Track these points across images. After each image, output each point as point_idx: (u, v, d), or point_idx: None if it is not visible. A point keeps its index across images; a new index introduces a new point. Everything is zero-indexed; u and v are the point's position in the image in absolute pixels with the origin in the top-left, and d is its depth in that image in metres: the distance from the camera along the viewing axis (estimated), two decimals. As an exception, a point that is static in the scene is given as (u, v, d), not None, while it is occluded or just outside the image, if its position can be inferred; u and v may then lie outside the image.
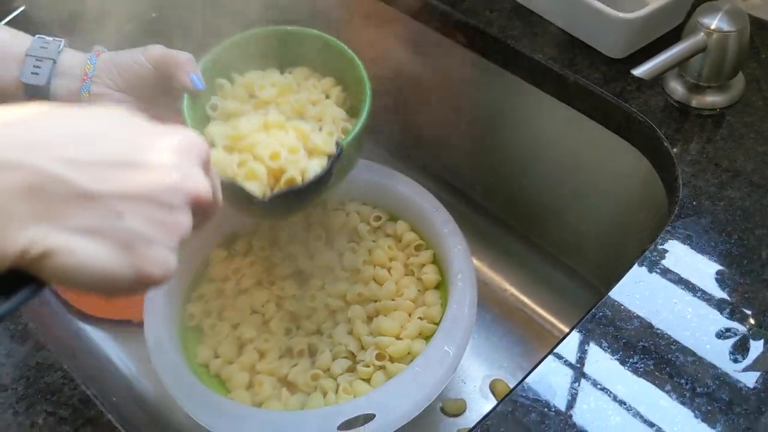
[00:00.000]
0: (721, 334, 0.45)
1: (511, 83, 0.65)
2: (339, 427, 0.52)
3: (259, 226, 0.69)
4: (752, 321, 0.46)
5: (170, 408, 0.64)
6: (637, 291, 0.47)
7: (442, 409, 0.66)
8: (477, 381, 0.68)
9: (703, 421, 0.42)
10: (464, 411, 0.66)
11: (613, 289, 0.48)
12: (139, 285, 0.29)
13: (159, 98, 0.53)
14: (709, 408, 0.42)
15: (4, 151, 0.27)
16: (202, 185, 0.31)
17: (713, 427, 0.42)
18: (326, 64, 0.61)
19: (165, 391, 0.55)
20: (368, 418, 0.52)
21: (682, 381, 0.43)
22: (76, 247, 0.27)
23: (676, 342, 0.45)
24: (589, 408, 0.43)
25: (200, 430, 0.53)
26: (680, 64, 0.55)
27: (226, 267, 0.66)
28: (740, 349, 0.45)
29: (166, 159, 0.30)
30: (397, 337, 0.60)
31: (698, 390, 0.43)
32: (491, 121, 0.71)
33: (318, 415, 0.53)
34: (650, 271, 0.48)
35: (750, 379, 0.43)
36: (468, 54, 0.67)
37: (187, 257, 0.66)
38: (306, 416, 0.54)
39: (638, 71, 0.51)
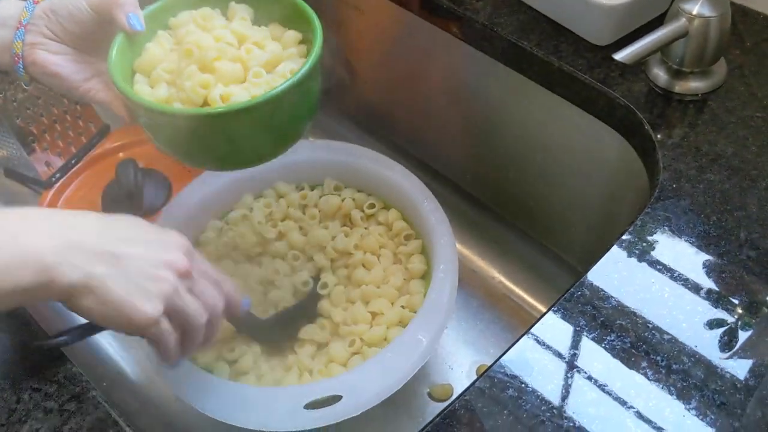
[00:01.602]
0: (697, 313, 0.46)
1: (498, 71, 0.65)
2: (305, 406, 0.52)
3: (255, 203, 0.71)
4: (730, 301, 0.46)
5: (157, 387, 0.65)
6: (616, 271, 0.48)
7: (429, 395, 0.66)
8: (464, 367, 0.68)
9: (678, 397, 0.42)
10: (451, 396, 0.66)
11: (592, 270, 0.48)
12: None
13: (101, 49, 0.50)
14: (684, 384, 0.43)
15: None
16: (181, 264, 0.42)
17: (688, 403, 0.42)
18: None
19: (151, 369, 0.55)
20: (336, 399, 0.53)
21: (658, 358, 0.44)
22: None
23: (651, 321, 0.45)
24: (565, 384, 0.43)
25: (182, 406, 0.53)
26: (662, 50, 0.56)
27: (218, 237, 0.68)
28: (715, 326, 0.45)
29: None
30: (375, 324, 0.62)
31: (674, 367, 0.43)
32: (479, 110, 0.72)
33: (287, 393, 0.54)
34: (629, 252, 0.49)
35: (724, 356, 0.44)
36: (456, 42, 0.68)
37: (184, 225, 0.66)
38: (275, 393, 0.55)
39: (619, 55, 0.52)
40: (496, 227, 0.78)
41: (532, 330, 0.46)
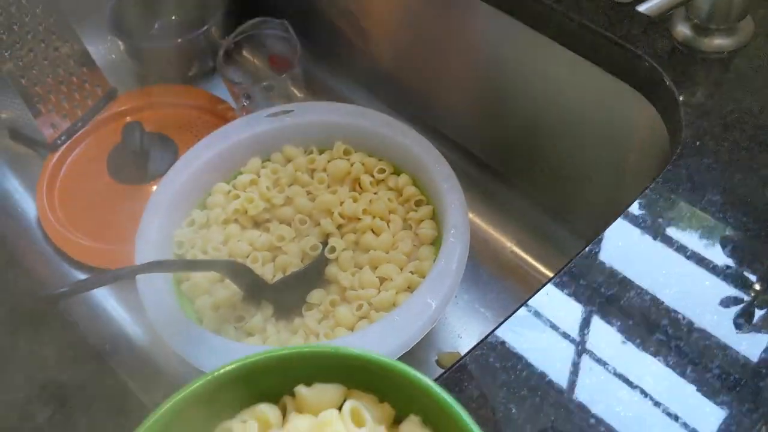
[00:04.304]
0: (717, 285, 0.43)
1: (512, 29, 0.63)
2: None
3: (263, 167, 0.69)
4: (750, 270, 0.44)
5: (160, 350, 0.63)
6: (631, 234, 0.46)
7: (437, 362, 0.65)
8: (473, 335, 0.67)
9: (681, 374, 0.40)
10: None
11: (609, 229, 0.46)
12: None
13: None
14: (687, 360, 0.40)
15: None
16: None
17: (693, 382, 0.40)
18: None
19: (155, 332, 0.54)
20: None
21: (668, 331, 0.41)
22: None
23: (663, 296, 0.43)
24: (562, 357, 0.41)
25: (187, 369, 0.52)
26: (687, 5, 0.53)
27: (225, 201, 0.67)
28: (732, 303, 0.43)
29: None
30: (383, 289, 0.60)
31: (682, 348, 0.41)
32: (492, 71, 0.69)
33: None
34: (647, 213, 0.47)
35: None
36: (470, 1, 0.66)
37: (189, 186, 0.65)
38: None
39: (643, 7, 0.50)
40: (508, 194, 0.76)
41: (529, 302, 0.43)
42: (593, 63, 0.59)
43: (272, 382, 0.33)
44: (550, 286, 0.44)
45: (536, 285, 0.69)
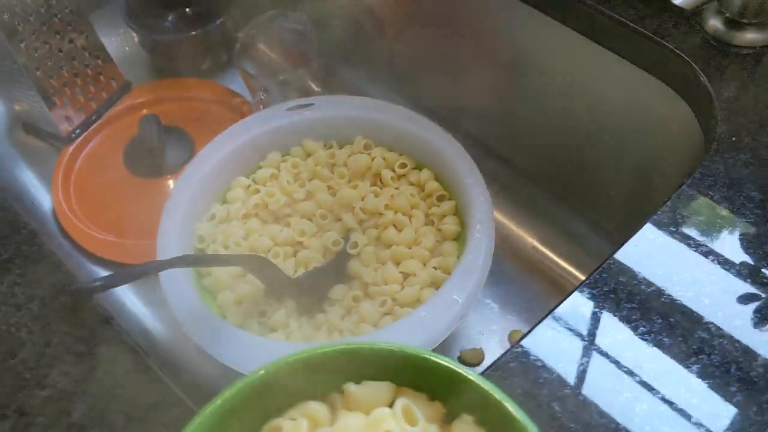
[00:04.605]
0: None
1: (538, 23, 0.62)
2: None
3: (282, 162, 0.68)
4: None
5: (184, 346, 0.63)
6: (663, 237, 0.45)
7: (460, 359, 0.64)
8: (496, 332, 0.66)
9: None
10: (482, 360, 0.64)
11: (641, 229, 0.45)
12: None
13: None
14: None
15: None
16: None
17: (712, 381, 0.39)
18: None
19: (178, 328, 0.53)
20: None
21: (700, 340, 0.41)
22: None
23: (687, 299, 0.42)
24: (593, 368, 0.40)
25: (210, 363, 0.51)
26: (720, -1, 0.53)
27: (246, 195, 0.66)
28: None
29: None
30: (407, 285, 0.59)
31: (715, 359, 0.40)
32: (517, 66, 0.69)
33: None
34: (684, 213, 0.46)
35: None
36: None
37: (210, 180, 0.64)
38: (292, 350, 0.52)
39: (679, 0, 0.49)
40: (532, 192, 0.75)
41: (554, 312, 0.43)
42: (621, 56, 0.58)
43: (320, 378, 0.32)
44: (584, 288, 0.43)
45: (559, 282, 0.69)
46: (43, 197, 0.75)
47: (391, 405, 0.31)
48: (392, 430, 0.29)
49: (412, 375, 0.32)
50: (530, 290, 0.69)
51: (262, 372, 0.31)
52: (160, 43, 0.86)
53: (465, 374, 0.31)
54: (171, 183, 0.76)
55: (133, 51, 0.88)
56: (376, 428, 0.29)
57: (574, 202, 0.72)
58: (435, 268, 0.61)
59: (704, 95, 0.52)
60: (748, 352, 0.39)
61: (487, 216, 0.60)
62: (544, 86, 0.68)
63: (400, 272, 0.61)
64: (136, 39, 0.86)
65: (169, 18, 0.90)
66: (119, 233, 0.72)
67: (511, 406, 0.29)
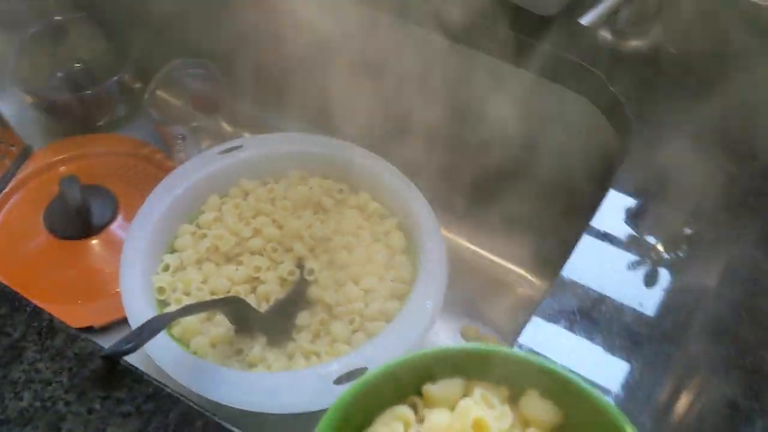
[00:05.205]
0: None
1: (457, 55, 0.68)
2: (335, 382, 0.53)
3: (223, 203, 0.70)
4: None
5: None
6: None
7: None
8: (449, 331, 0.72)
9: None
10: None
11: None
12: None
13: None
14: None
15: None
16: None
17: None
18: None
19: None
20: (361, 371, 0.54)
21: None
22: None
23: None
24: None
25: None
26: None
27: (194, 242, 0.67)
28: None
29: None
30: (370, 300, 0.63)
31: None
32: (436, 93, 0.73)
33: (311, 374, 0.54)
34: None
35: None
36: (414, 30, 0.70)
37: (157, 233, 0.65)
38: (299, 376, 0.55)
39: (585, 20, 0.57)
40: (470, 205, 0.80)
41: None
42: (538, 75, 0.65)
43: (401, 384, 0.36)
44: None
45: (504, 278, 0.75)
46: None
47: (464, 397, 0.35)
48: (482, 416, 0.33)
49: (479, 368, 0.36)
50: (471, 289, 0.75)
51: (353, 388, 0.34)
52: (55, 103, 0.83)
53: (547, 364, 0.35)
54: (95, 242, 0.75)
55: (26, 113, 0.85)
56: (466, 417, 0.33)
57: (510, 211, 0.77)
58: (392, 280, 0.65)
59: (613, 101, 0.60)
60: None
61: (432, 225, 0.65)
62: (474, 112, 0.73)
63: (361, 289, 0.64)
64: (27, 101, 0.83)
65: (58, 75, 0.88)
66: (58, 299, 0.69)
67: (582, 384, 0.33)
